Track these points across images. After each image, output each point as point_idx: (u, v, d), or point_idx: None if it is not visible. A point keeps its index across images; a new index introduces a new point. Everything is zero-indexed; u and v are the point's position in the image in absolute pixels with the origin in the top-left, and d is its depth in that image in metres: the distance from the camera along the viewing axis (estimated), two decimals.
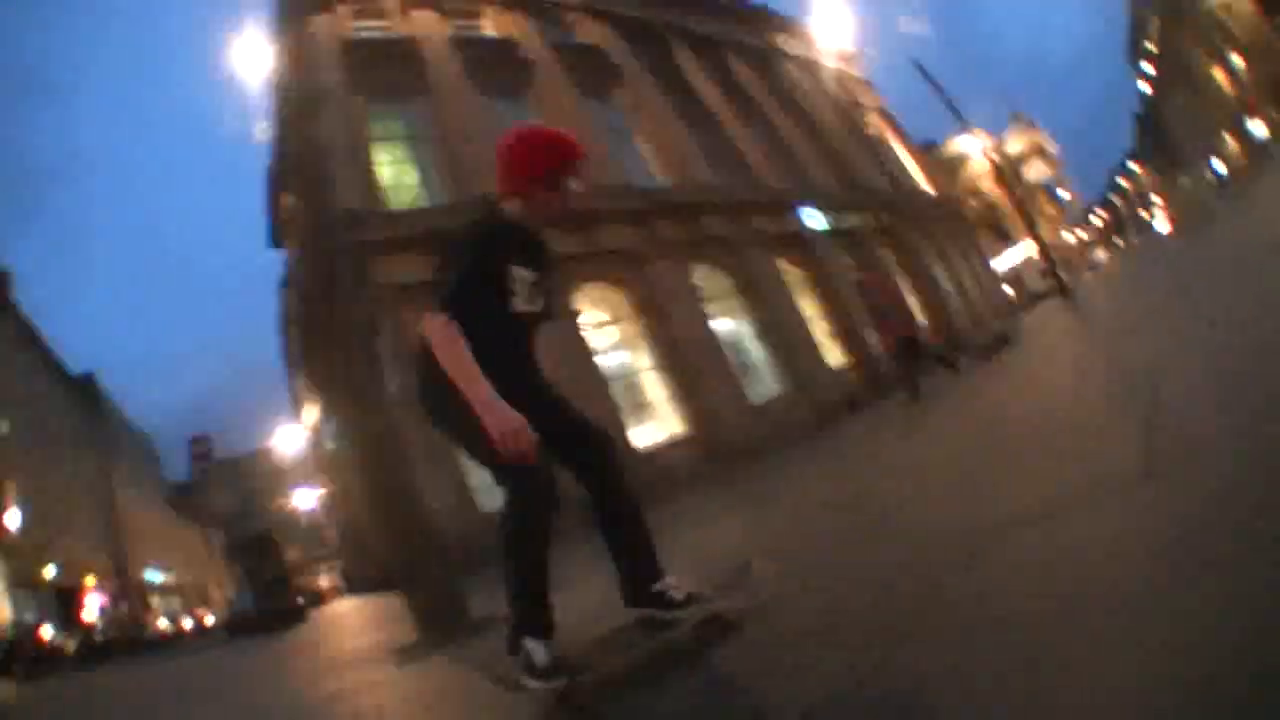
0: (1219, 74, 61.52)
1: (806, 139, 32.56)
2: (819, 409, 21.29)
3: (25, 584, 33.98)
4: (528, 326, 3.15)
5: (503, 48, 24.35)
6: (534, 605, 2.85)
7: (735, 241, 24.01)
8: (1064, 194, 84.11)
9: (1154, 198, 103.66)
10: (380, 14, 23.03)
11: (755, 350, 23.83)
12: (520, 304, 3.03)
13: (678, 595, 2.99)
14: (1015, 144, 75.49)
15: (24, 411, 40.17)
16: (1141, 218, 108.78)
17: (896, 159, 40.39)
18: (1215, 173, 73.01)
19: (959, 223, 41.05)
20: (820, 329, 25.74)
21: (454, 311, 2.81)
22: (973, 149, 68.11)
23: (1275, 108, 52.90)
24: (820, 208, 28.01)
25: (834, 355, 25.53)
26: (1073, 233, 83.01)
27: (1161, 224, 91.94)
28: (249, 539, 34.98)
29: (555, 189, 3.05)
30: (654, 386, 20.93)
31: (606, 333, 20.82)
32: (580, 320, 19.55)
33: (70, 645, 31.90)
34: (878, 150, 37.76)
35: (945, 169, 65.01)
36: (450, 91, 21.66)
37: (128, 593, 47.18)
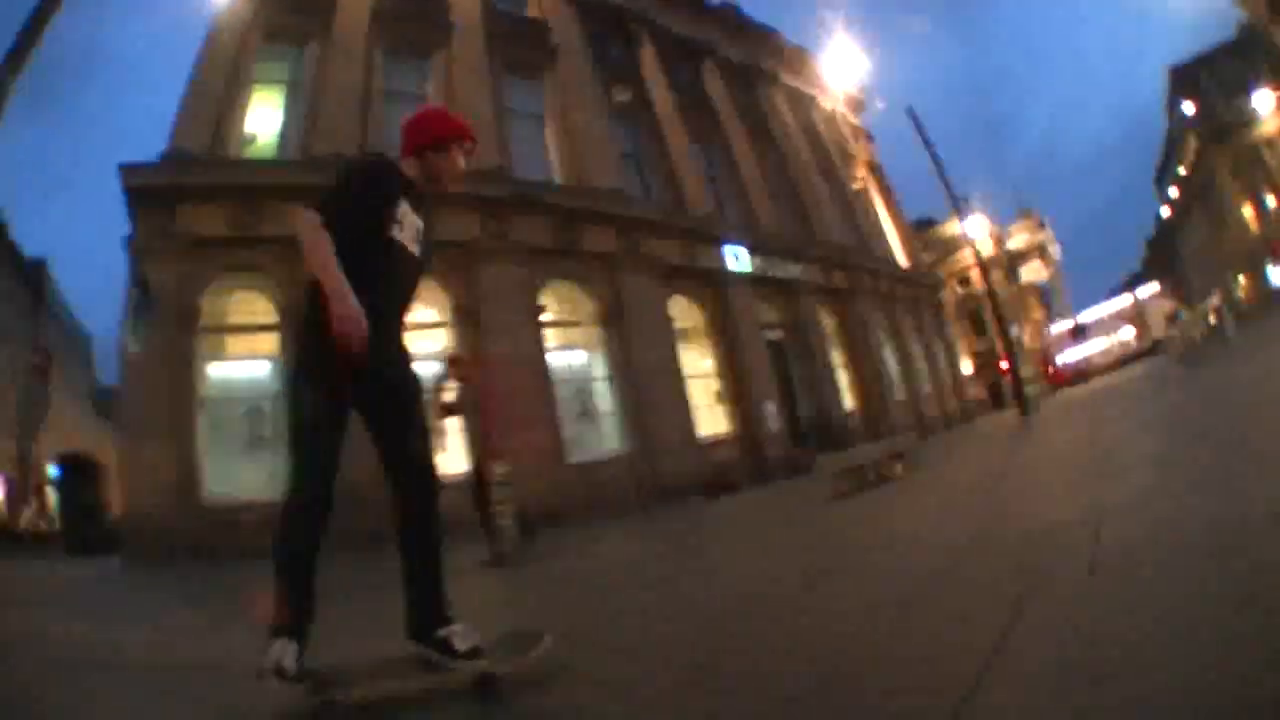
0: (1249, 210, 58.34)
1: (767, 174, 28.38)
2: (657, 486, 17.70)
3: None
4: (402, 268, 3.26)
5: (427, 4, 20.93)
6: (291, 602, 2.86)
7: (619, 260, 19.91)
8: (1059, 324, 79.52)
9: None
10: None
11: (602, 395, 19.47)
12: (400, 235, 3.19)
13: (461, 646, 2.99)
14: (1018, 239, 70.81)
15: None
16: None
17: (875, 220, 35.99)
18: (1218, 309, 66.69)
19: (929, 303, 36.81)
20: (703, 387, 21.50)
21: (325, 219, 2.98)
22: (971, 233, 65.23)
23: None
24: (753, 250, 23.87)
25: (711, 422, 21.20)
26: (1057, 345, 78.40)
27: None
28: (66, 459, 32.67)
29: (442, 157, 3.38)
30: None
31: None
32: None
33: None
34: (855, 205, 33.45)
35: (937, 249, 60.83)
36: (349, 42, 18.87)
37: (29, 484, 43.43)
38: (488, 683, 2.93)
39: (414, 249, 3.27)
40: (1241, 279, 63.21)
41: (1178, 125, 70.93)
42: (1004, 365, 58.19)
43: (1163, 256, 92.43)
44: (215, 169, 15.98)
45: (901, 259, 36.14)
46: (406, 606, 3.11)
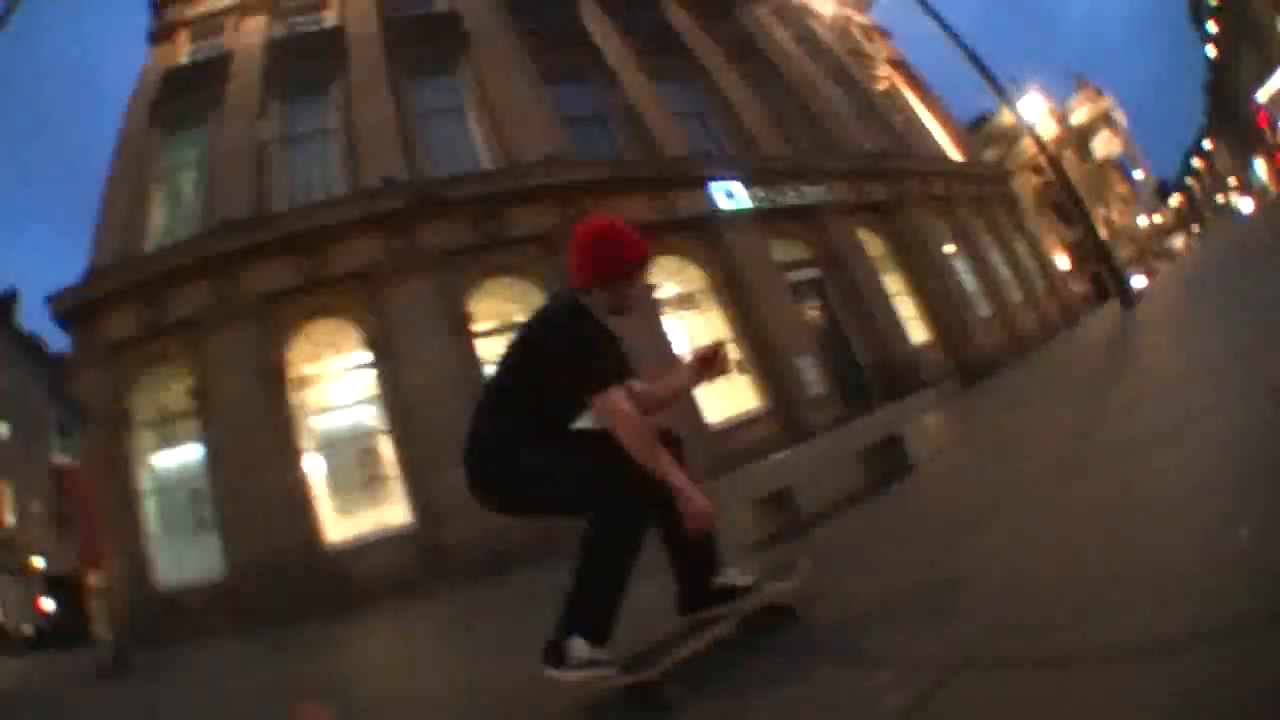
0: None
1: (769, 99, 23.37)
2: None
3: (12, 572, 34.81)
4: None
5: (325, 38, 19.87)
6: (599, 622, 2.92)
7: (562, 234, 14.49)
8: (1138, 172, 71.47)
9: (1230, 179, 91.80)
10: (218, 29, 20.77)
11: None
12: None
13: (741, 581, 3.22)
14: (1080, 113, 63.30)
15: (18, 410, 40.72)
16: (1219, 201, 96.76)
17: (912, 119, 30.08)
18: None
19: (999, 197, 30.44)
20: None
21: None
22: (1028, 113, 57.84)
23: None
24: (751, 182, 18.93)
25: (732, 399, 16.84)
26: (1148, 216, 70.71)
27: (1244, 205, 78.60)
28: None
29: (630, 284, 3.29)
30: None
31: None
32: None
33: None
34: (883, 108, 27.68)
35: (1001, 143, 53.66)
36: (243, 102, 18.17)
37: None
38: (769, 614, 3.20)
39: None
40: None
41: None
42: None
43: (1223, 100, 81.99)
44: (127, 270, 15.60)
45: (954, 155, 30.06)
46: (682, 585, 3.25)
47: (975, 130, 51.82)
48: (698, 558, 3.20)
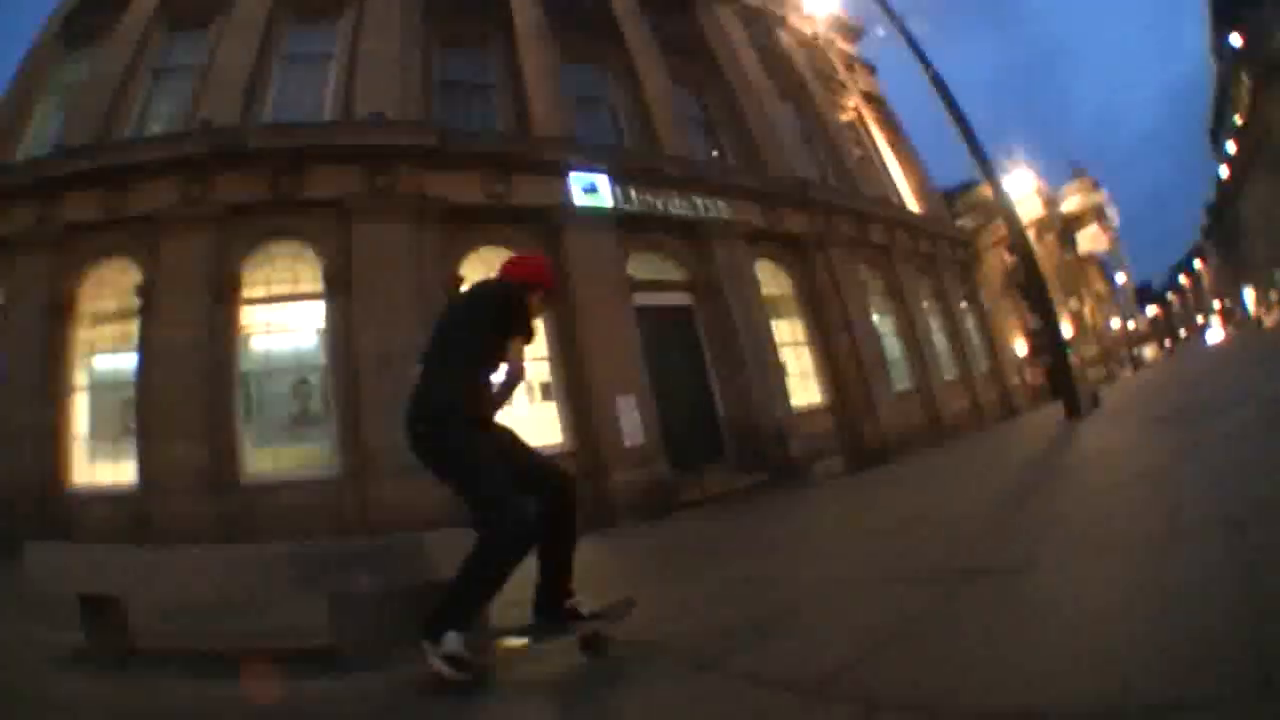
0: None
1: (696, 99, 20.85)
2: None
3: None
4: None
5: None
6: (472, 610, 3.49)
7: (361, 203, 13.17)
8: (1120, 275, 68.30)
9: (1215, 302, 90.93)
10: None
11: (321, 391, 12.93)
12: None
13: (584, 610, 3.78)
14: (1072, 202, 59.91)
15: None
16: (1199, 321, 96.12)
17: (873, 159, 26.64)
18: None
19: (953, 261, 26.78)
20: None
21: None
22: (1016, 192, 54.60)
23: None
24: (623, 179, 15.43)
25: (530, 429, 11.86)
26: (1122, 321, 67.47)
27: (1214, 333, 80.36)
28: None
29: (543, 299, 4.20)
30: None
31: None
32: None
33: None
34: (838, 140, 23.94)
35: (980, 213, 50.19)
36: (130, 32, 16.13)
37: None
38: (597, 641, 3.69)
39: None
40: None
41: (1227, 65, 60.85)
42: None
43: (1224, 223, 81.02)
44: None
45: (913, 206, 26.44)
46: (543, 589, 3.80)
47: (956, 194, 49.25)
48: (561, 559, 3.83)
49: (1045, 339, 43.04)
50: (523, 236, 13.93)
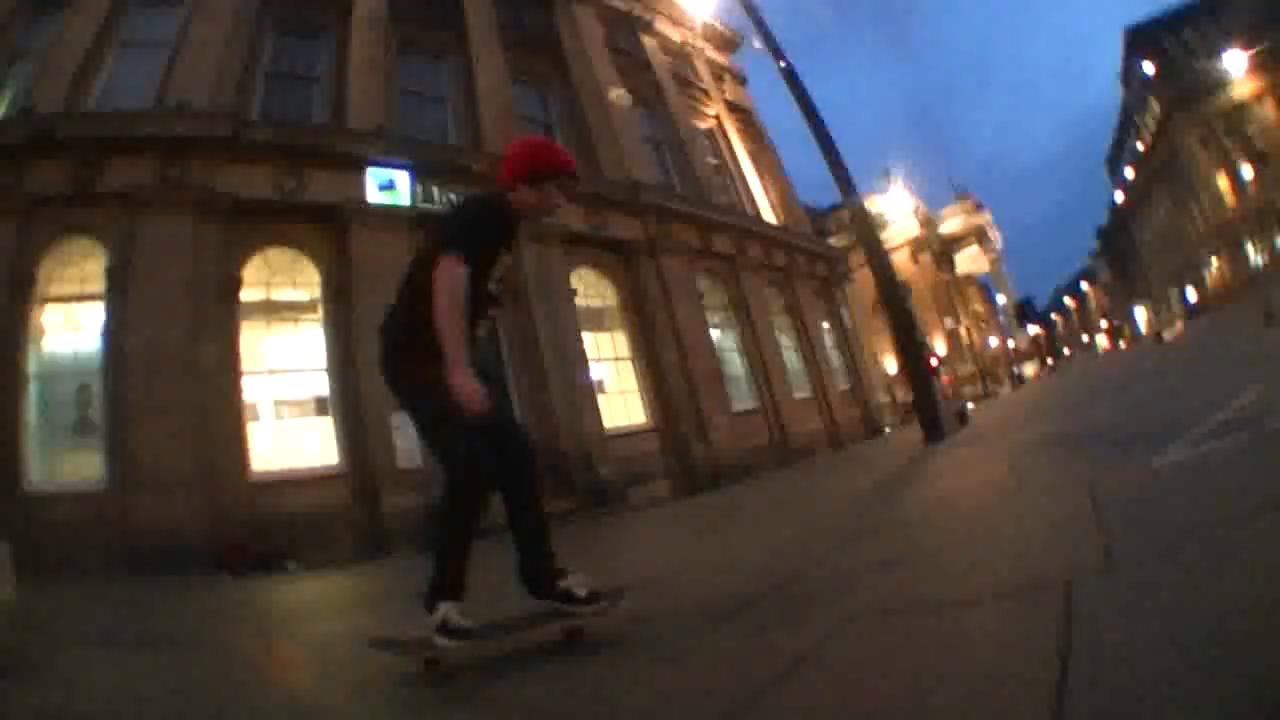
0: (1224, 181, 50.81)
1: (536, 96, 19.96)
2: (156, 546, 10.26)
3: None
4: (483, 306, 3.33)
5: None
6: (455, 574, 3.18)
7: (148, 196, 12.29)
8: (1001, 296, 69.66)
9: (1103, 321, 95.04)
10: None
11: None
12: (491, 285, 3.34)
13: (580, 592, 3.31)
14: (953, 223, 60.94)
15: None
16: (1084, 339, 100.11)
17: (732, 169, 26.08)
18: (1184, 303, 61.34)
19: (813, 276, 26.10)
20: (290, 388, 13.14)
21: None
22: (897, 211, 55.39)
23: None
24: (426, 175, 14.66)
25: (296, 447, 12.91)
26: (1002, 340, 68.96)
27: (1100, 347, 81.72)
28: None
29: (540, 189, 3.42)
30: None
31: None
32: None
33: None
34: (692, 146, 23.15)
35: (854, 230, 50.56)
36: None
37: None
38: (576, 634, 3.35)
39: (495, 289, 3.42)
40: (1215, 260, 55.64)
41: (1136, 93, 63.76)
42: (932, 362, 49.74)
43: (1115, 247, 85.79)
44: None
45: (772, 218, 25.93)
46: (525, 570, 3.40)
47: (830, 212, 49.86)
48: (534, 526, 3.43)
49: (923, 363, 43.17)
50: (314, 238, 13.21)
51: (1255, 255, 48.27)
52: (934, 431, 12.56)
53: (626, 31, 23.72)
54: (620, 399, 16.18)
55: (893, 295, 14.35)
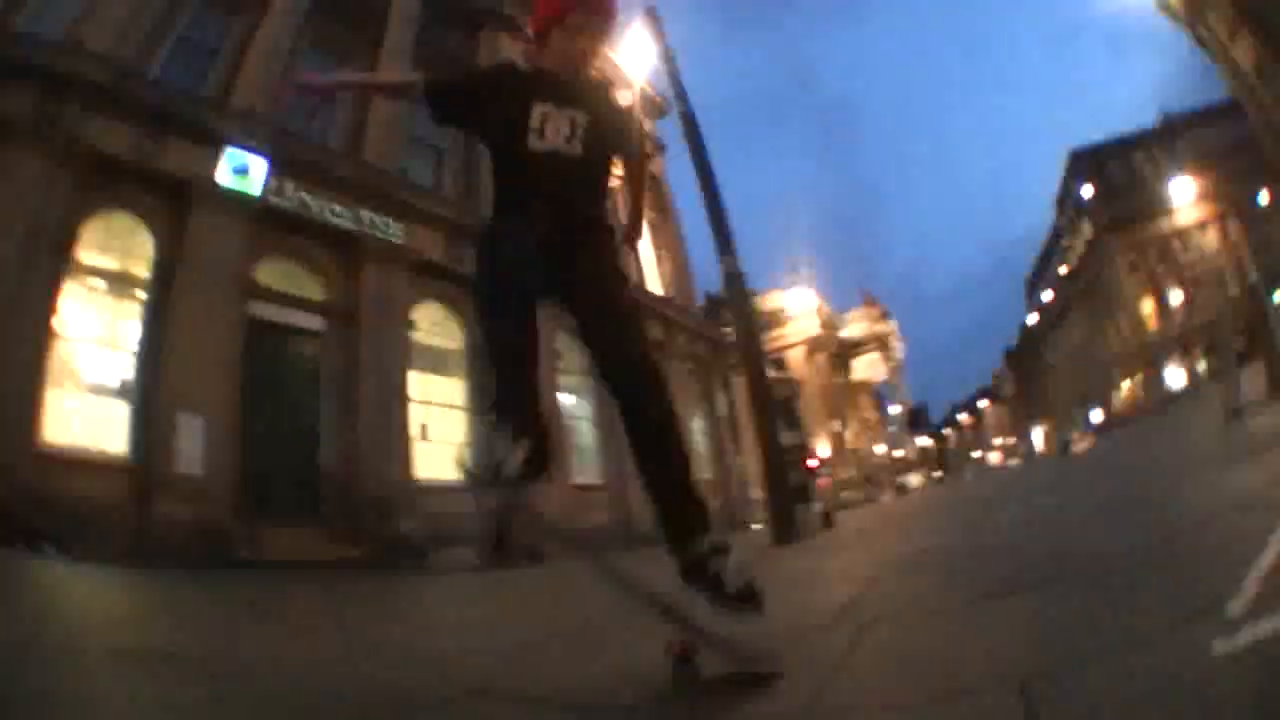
0: (1149, 305, 54.25)
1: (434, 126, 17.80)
2: None
3: None
4: (563, 176, 2.77)
5: None
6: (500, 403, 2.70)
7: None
8: (895, 407, 70.72)
9: (996, 439, 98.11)
10: None
11: None
12: (536, 141, 2.77)
13: (730, 587, 2.44)
14: (856, 328, 61.64)
15: None
16: (974, 455, 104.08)
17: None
18: (1087, 423, 63.28)
19: (696, 356, 26.17)
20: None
21: (434, 93, 2.92)
22: (798, 308, 56.01)
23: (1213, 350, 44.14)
24: (283, 169, 13.89)
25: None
26: (889, 448, 70.03)
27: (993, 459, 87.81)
28: None
29: (559, 37, 2.91)
30: None
31: None
32: None
33: None
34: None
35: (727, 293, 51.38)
36: None
37: None
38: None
39: (574, 148, 2.77)
40: (1126, 382, 59.02)
41: (1069, 216, 66.49)
42: (811, 463, 49.89)
43: (1022, 367, 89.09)
44: None
45: (655, 288, 25.85)
46: (663, 525, 2.66)
47: (728, 301, 50.11)
48: (669, 494, 2.63)
49: (801, 452, 43.08)
50: (159, 209, 12.65)
51: (1174, 376, 50.97)
52: (784, 532, 11.27)
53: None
54: (446, 450, 15.19)
55: (759, 373, 13.20)
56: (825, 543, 10.55)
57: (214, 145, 13.13)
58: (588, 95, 2.89)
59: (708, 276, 28.55)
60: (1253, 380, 22.40)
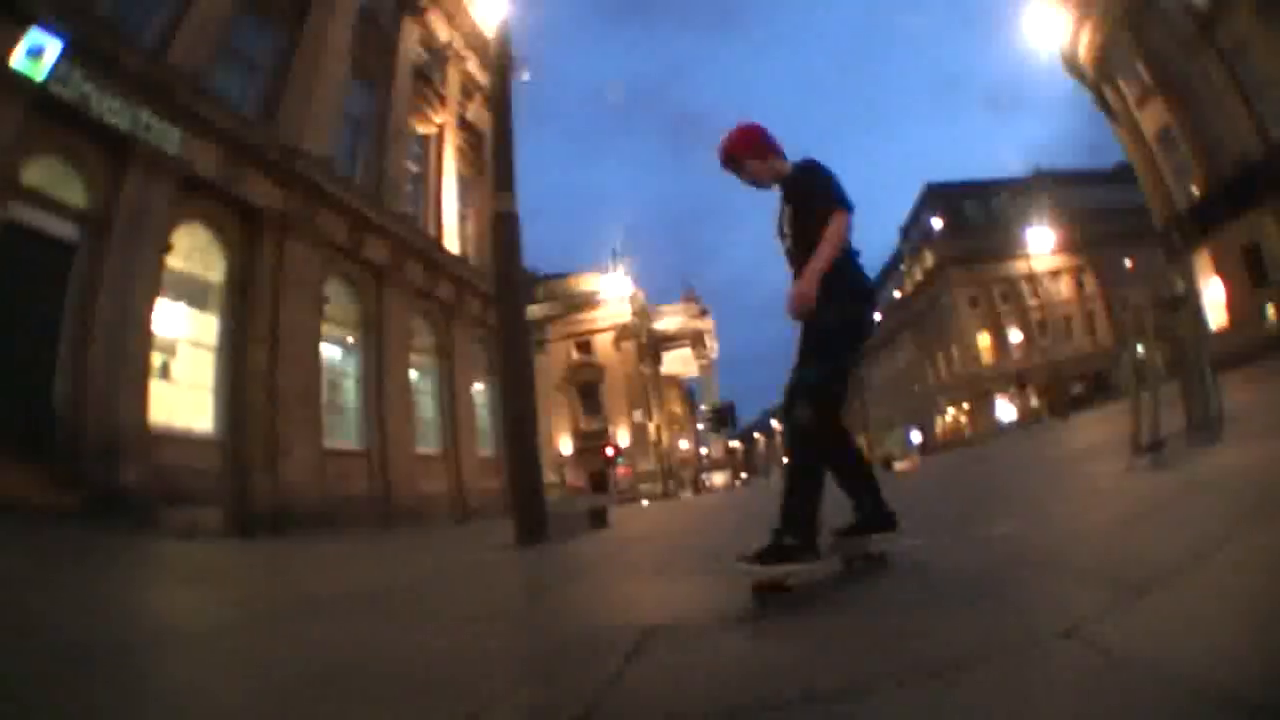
0: (985, 339, 59.80)
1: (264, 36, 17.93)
2: None
3: None
4: (794, 262, 3.81)
5: None
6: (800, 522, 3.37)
7: None
8: (705, 405, 72.31)
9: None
10: None
11: None
12: (782, 240, 3.95)
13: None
14: (671, 321, 62.42)
15: None
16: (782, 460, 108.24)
17: (431, 183, 24.81)
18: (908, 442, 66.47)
19: (474, 319, 24.71)
20: None
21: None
22: (609, 293, 56.31)
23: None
24: (85, 57, 12.36)
25: None
26: (695, 445, 71.46)
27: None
28: None
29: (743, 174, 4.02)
30: None
31: None
32: None
33: None
34: (395, 147, 21.73)
35: (560, 301, 51.56)
36: None
37: None
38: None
39: (786, 242, 3.91)
40: (951, 410, 63.65)
41: (913, 243, 71.00)
42: (609, 451, 50.48)
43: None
44: None
45: (453, 246, 24.79)
46: (857, 511, 3.83)
47: (543, 280, 50.65)
48: (858, 479, 3.83)
49: (601, 439, 43.02)
50: None
51: (1004, 410, 55.88)
52: (529, 533, 9.61)
53: (390, 5, 22.67)
54: (191, 395, 14.20)
55: (513, 343, 11.08)
56: (585, 547, 9.27)
57: (19, 22, 11.42)
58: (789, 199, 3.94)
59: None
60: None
